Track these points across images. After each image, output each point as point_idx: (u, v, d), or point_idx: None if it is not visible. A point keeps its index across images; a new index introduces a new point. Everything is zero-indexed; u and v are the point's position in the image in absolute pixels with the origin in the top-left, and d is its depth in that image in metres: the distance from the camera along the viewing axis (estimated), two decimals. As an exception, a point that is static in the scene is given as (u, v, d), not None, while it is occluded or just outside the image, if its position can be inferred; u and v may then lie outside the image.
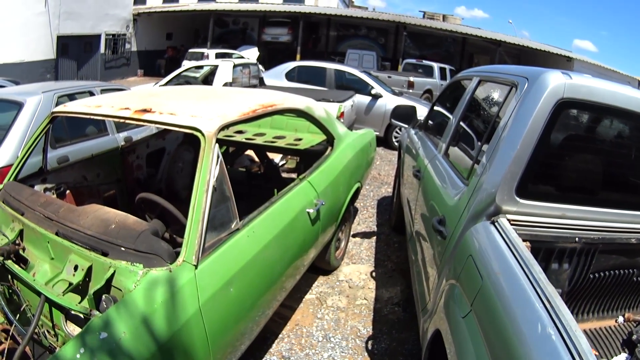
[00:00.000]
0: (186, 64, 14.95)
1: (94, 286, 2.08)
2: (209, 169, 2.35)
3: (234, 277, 2.39)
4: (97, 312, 1.96)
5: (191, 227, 2.21)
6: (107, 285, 2.07)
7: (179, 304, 2.05)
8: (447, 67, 20.39)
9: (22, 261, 2.47)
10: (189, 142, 4.71)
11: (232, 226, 2.50)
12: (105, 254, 2.17)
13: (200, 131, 2.46)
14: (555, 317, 1.44)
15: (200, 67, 11.99)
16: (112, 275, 2.07)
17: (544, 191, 2.34)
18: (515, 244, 1.90)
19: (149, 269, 2.06)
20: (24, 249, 2.49)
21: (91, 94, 5.72)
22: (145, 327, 1.92)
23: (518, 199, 2.24)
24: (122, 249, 2.17)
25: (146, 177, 4.55)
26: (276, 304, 3.12)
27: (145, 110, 2.71)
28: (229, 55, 18.56)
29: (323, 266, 4.46)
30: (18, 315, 2.32)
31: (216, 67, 11.17)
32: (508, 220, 2.19)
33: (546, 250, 2.32)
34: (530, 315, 1.50)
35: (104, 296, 2.04)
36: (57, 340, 2.30)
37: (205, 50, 20.93)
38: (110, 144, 5.24)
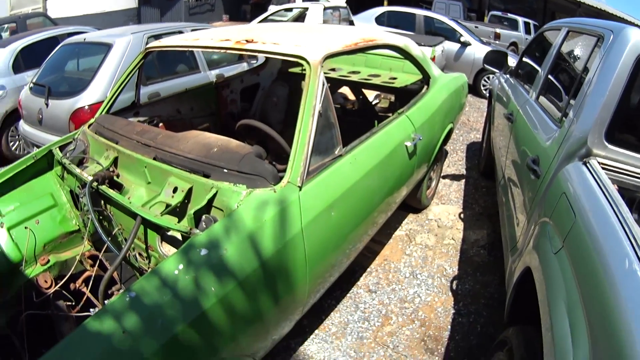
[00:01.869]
0: (272, 8, 14.90)
1: (193, 207, 2.09)
2: (315, 94, 2.34)
3: (336, 202, 2.40)
4: (197, 231, 1.96)
5: (297, 150, 2.22)
6: (208, 206, 2.09)
7: (282, 224, 2.07)
8: (531, 21, 19.66)
9: (117, 187, 2.52)
10: (284, 78, 4.73)
11: (336, 152, 2.50)
12: (206, 176, 2.18)
13: (305, 59, 2.45)
14: None
15: (289, 9, 11.95)
16: (214, 196, 2.07)
17: (629, 140, 2.38)
18: (605, 185, 1.95)
19: (252, 189, 2.06)
20: (118, 175, 2.54)
21: (181, 33, 5.72)
22: (248, 244, 1.93)
23: (607, 144, 2.30)
24: (225, 170, 2.18)
25: (240, 111, 4.62)
26: (367, 238, 3.14)
27: (247, 41, 2.71)
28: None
29: (414, 204, 4.48)
30: (109, 239, 2.37)
31: (306, 9, 11.13)
32: (598, 162, 2.23)
33: (629, 199, 2.31)
34: (619, 252, 1.52)
35: (204, 216, 2.05)
36: (149, 262, 2.36)
37: (292, -5, 20.60)
38: (201, 81, 5.29)
